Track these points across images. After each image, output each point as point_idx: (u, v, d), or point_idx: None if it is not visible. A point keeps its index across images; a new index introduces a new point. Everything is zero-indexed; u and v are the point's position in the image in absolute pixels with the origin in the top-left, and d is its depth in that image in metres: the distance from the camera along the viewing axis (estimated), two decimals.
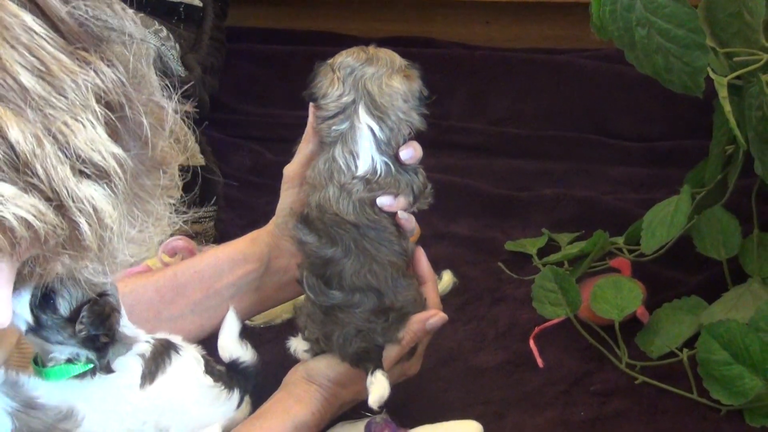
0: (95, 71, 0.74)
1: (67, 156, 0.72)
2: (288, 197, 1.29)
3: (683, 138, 1.93)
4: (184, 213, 0.88)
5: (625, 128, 2.01)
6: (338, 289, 1.20)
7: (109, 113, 0.74)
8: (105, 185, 0.74)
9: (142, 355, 1.11)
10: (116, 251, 0.79)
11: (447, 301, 1.45)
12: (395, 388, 1.21)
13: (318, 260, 1.21)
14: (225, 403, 1.18)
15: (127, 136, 0.77)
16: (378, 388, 1.16)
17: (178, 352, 1.14)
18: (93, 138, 0.73)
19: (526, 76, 2.13)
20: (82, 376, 1.06)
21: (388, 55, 1.21)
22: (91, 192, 0.74)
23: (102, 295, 1.05)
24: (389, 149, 1.19)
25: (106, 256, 0.78)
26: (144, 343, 1.12)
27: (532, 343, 1.45)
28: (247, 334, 1.26)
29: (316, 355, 1.24)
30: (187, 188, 0.92)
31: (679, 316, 1.45)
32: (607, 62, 2.08)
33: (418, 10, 2.34)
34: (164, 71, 0.84)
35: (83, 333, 1.03)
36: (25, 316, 1.02)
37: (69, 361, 1.06)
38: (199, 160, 1.71)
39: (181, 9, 1.99)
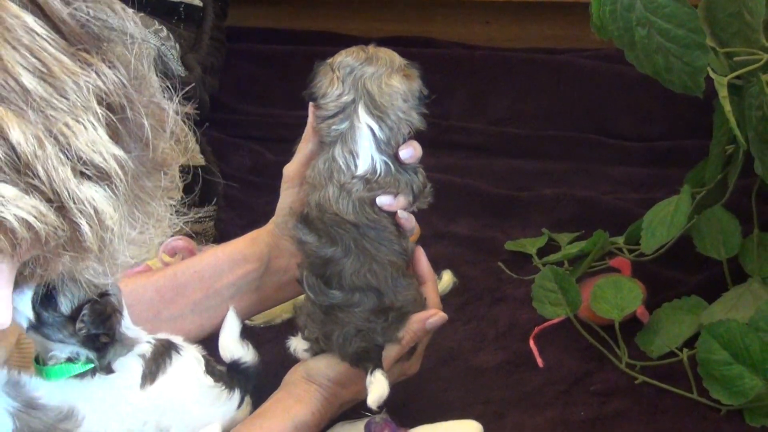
0: (96, 73, 0.74)
1: (68, 157, 0.72)
2: (288, 197, 1.29)
3: (683, 138, 1.93)
4: (185, 214, 0.88)
5: (625, 128, 2.01)
6: (338, 289, 1.20)
7: (111, 115, 0.75)
8: (106, 187, 0.75)
9: (143, 356, 1.11)
10: (117, 252, 0.79)
11: (447, 301, 1.45)
12: (395, 387, 1.21)
13: (318, 260, 1.21)
14: (226, 403, 1.18)
15: (128, 138, 0.77)
16: (377, 387, 1.16)
17: (178, 353, 1.14)
18: (94, 139, 0.73)
19: (526, 76, 2.13)
20: (82, 375, 1.06)
21: (387, 54, 1.21)
22: (92, 193, 0.74)
23: (104, 295, 1.05)
24: (389, 149, 1.19)
25: (106, 257, 0.78)
26: (145, 344, 1.12)
27: (532, 342, 1.45)
28: (247, 333, 1.26)
29: (315, 355, 1.24)
30: (187, 189, 0.92)
31: (679, 316, 1.45)
32: (607, 62, 2.08)
33: (418, 10, 2.34)
34: (165, 72, 0.84)
35: (83, 332, 1.04)
36: (27, 313, 1.02)
37: (69, 360, 1.06)
38: (199, 160, 1.71)
39: (181, 9, 1.99)
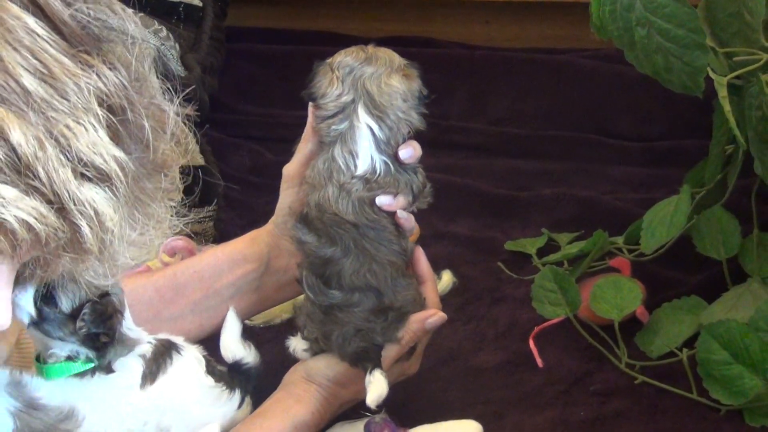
0: (97, 74, 0.74)
1: (68, 159, 0.72)
2: (287, 197, 1.29)
3: (683, 138, 1.93)
4: (185, 216, 0.88)
5: (625, 128, 2.01)
6: (337, 289, 1.20)
7: (111, 116, 0.75)
8: (106, 188, 0.75)
9: (143, 356, 1.11)
10: (117, 254, 0.79)
11: (447, 301, 1.45)
12: (395, 387, 1.21)
13: (317, 260, 1.21)
14: (226, 404, 1.18)
15: (128, 140, 0.77)
16: (376, 387, 1.16)
17: (179, 353, 1.14)
18: (95, 141, 0.73)
19: (526, 76, 2.13)
20: (82, 375, 1.06)
21: (387, 54, 1.21)
22: (92, 195, 0.74)
23: (105, 295, 1.05)
24: (388, 148, 1.19)
25: (106, 258, 0.78)
26: (146, 344, 1.12)
27: (531, 343, 1.45)
28: (246, 333, 1.26)
29: (315, 355, 1.24)
30: (187, 191, 0.92)
31: (678, 316, 1.45)
32: (606, 62, 2.08)
33: (417, 10, 2.34)
34: (165, 74, 0.84)
35: (83, 330, 1.04)
36: (29, 310, 1.03)
37: (69, 358, 1.06)
38: (199, 160, 1.71)
39: (181, 9, 1.99)
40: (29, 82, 0.71)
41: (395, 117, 1.19)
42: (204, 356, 1.18)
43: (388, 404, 1.18)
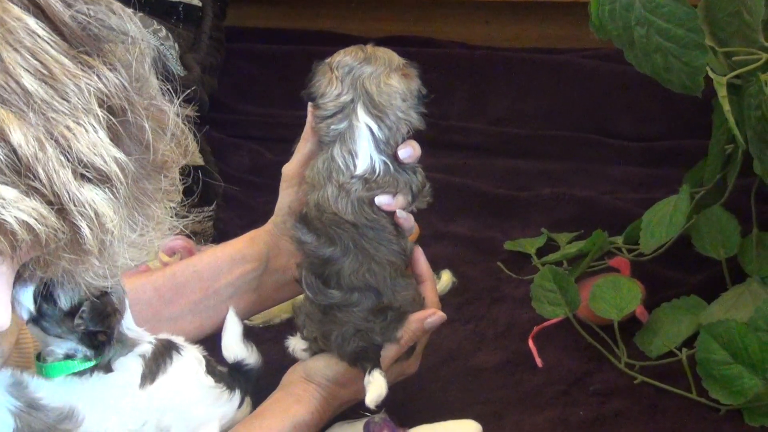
0: (98, 75, 0.74)
1: (68, 160, 0.72)
2: (287, 197, 1.29)
3: (682, 137, 1.93)
4: (185, 217, 0.88)
5: (625, 128, 2.01)
6: (337, 289, 1.20)
7: (111, 117, 0.75)
8: (106, 189, 0.75)
9: (143, 355, 1.11)
10: (117, 255, 0.79)
11: (446, 300, 1.45)
12: (394, 387, 1.21)
13: (317, 260, 1.21)
14: (226, 404, 1.18)
15: (128, 141, 0.77)
16: (375, 387, 1.16)
17: (179, 353, 1.14)
18: (95, 142, 0.73)
19: (526, 76, 2.13)
20: (81, 374, 1.07)
21: (386, 54, 1.21)
22: (92, 196, 0.74)
23: (105, 293, 1.05)
24: (388, 148, 1.19)
25: (106, 259, 0.78)
26: (146, 344, 1.12)
27: (531, 342, 1.45)
28: (245, 334, 1.26)
29: (314, 355, 1.24)
30: (187, 192, 0.92)
31: (678, 316, 1.45)
32: (606, 62, 2.08)
33: (417, 10, 2.34)
34: (166, 75, 0.84)
35: (81, 328, 1.04)
36: (28, 306, 1.03)
37: (67, 356, 1.06)
38: (198, 160, 1.71)
39: (180, 9, 1.99)
40: (30, 82, 0.71)
41: (394, 117, 1.19)
42: (204, 356, 1.18)
43: (387, 404, 1.18)
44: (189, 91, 0.87)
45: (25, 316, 1.04)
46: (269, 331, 1.47)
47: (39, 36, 0.72)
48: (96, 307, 1.04)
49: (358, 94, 1.18)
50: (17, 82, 0.70)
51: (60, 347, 1.06)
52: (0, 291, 0.78)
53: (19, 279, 0.83)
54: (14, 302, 0.90)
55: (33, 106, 0.71)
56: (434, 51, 2.21)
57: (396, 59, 1.21)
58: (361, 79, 1.18)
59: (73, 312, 1.04)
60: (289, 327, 1.35)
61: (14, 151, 0.70)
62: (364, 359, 1.19)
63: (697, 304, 1.45)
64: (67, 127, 0.72)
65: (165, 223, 0.85)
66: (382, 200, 1.20)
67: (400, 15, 2.34)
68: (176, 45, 1.90)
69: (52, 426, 1.02)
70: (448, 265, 1.60)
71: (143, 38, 0.80)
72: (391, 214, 1.21)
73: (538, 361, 1.43)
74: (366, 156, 1.19)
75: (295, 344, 1.26)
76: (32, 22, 0.72)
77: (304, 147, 1.26)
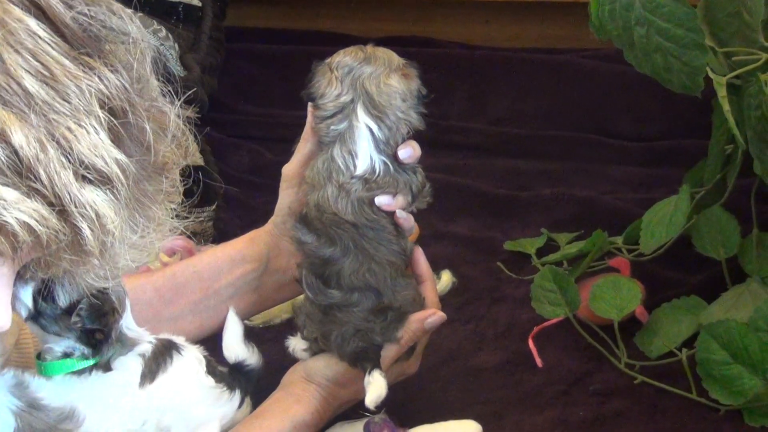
0: (99, 77, 0.74)
1: (70, 161, 0.72)
2: (287, 197, 1.29)
3: (682, 137, 1.93)
4: (185, 218, 0.88)
5: (625, 128, 2.01)
6: (337, 289, 1.20)
7: (113, 119, 0.75)
8: (107, 191, 0.75)
9: (143, 355, 1.11)
10: (117, 256, 0.79)
11: (446, 301, 1.45)
12: (394, 387, 1.21)
13: (317, 260, 1.21)
14: (226, 404, 1.18)
15: (129, 142, 0.77)
16: (375, 387, 1.16)
17: (179, 353, 1.14)
18: (96, 143, 0.73)
19: (526, 76, 2.13)
20: (80, 372, 1.07)
21: (385, 54, 1.21)
22: (93, 197, 0.74)
23: (103, 292, 1.05)
24: (388, 148, 1.19)
25: (107, 260, 0.79)
26: (146, 344, 1.12)
27: (531, 342, 1.45)
28: (246, 334, 1.26)
29: (314, 355, 1.24)
30: (187, 193, 0.92)
31: (678, 316, 1.45)
32: (606, 62, 2.08)
33: (417, 10, 2.34)
34: (167, 77, 0.84)
35: (78, 325, 1.04)
36: (27, 303, 1.03)
37: (66, 355, 1.06)
38: (198, 160, 1.71)
39: (180, 9, 1.99)
40: (31, 84, 0.71)
41: (394, 117, 1.19)
42: (205, 356, 1.18)
43: (387, 404, 1.18)
44: (190, 92, 0.87)
45: (24, 314, 1.04)
46: (269, 332, 1.47)
47: (40, 37, 0.72)
48: (94, 305, 1.04)
49: (358, 94, 1.18)
50: (19, 84, 0.71)
51: (58, 345, 1.07)
52: (0, 292, 0.78)
53: (19, 279, 0.83)
54: (13, 299, 0.90)
55: (34, 108, 0.71)
56: (434, 51, 2.21)
57: (396, 59, 1.21)
58: (361, 79, 1.18)
59: (71, 310, 1.04)
60: (289, 327, 1.35)
61: (15, 153, 0.70)
62: (364, 359, 1.19)
63: (697, 304, 1.45)
64: (69, 129, 0.72)
65: (166, 224, 0.85)
66: (382, 200, 1.20)
67: (400, 15, 2.34)
68: (176, 45, 1.90)
69: (52, 426, 1.02)
70: (448, 265, 1.60)
71: (144, 39, 0.80)
72: (391, 215, 1.21)
73: (538, 361, 1.43)
74: (366, 156, 1.19)
75: (296, 344, 1.26)
76: (33, 23, 0.72)
77: (304, 147, 1.26)
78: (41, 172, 0.71)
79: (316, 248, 1.21)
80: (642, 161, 1.93)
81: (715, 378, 1.32)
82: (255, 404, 1.22)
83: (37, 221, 0.71)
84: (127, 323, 1.10)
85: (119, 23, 0.78)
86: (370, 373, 1.18)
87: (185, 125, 0.85)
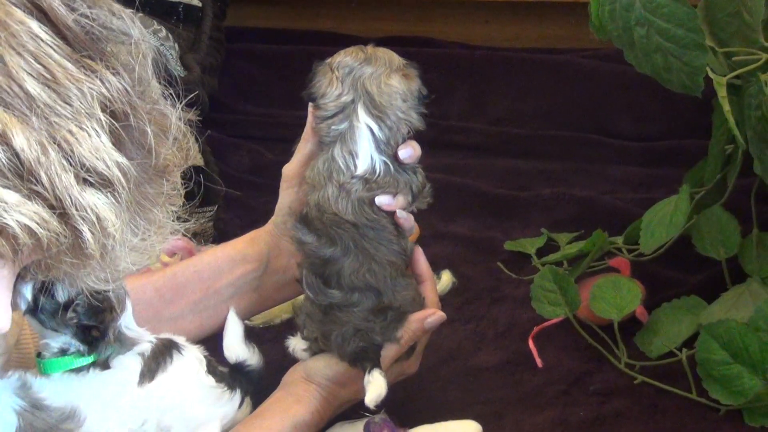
0: (101, 80, 0.74)
1: (71, 164, 0.72)
2: (287, 197, 1.29)
3: (682, 137, 1.93)
4: (186, 220, 0.88)
5: (625, 128, 2.01)
6: (337, 288, 1.20)
7: (114, 122, 0.75)
8: (108, 194, 0.75)
9: (142, 354, 1.11)
10: (118, 259, 0.79)
11: (446, 300, 1.45)
12: (394, 387, 1.21)
13: (317, 260, 1.21)
14: (226, 404, 1.18)
15: (130, 145, 0.77)
16: (375, 387, 1.16)
17: (180, 352, 1.15)
18: (97, 146, 0.73)
19: (526, 76, 2.13)
20: (79, 370, 1.07)
21: (386, 54, 1.21)
22: (94, 200, 0.74)
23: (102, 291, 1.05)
24: (388, 149, 1.20)
25: (108, 263, 0.79)
26: (146, 343, 1.12)
27: (531, 342, 1.45)
28: (247, 334, 1.26)
29: (314, 355, 1.24)
30: (189, 195, 0.92)
31: (678, 316, 1.45)
32: (606, 62, 2.08)
33: (417, 10, 2.34)
34: (168, 79, 0.84)
35: (74, 321, 1.04)
36: (26, 296, 1.03)
37: (62, 351, 1.07)
38: (198, 160, 1.71)
39: (180, 9, 1.99)
40: (32, 86, 0.71)
41: (395, 117, 1.19)
42: (205, 356, 1.18)
43: (387, 404, 1.18)
44: (192, 96, 0.87)
45: (23, 307, 1.04)
46: (269, 331, 1.47)
47: (42, 40, 0.72)
48: (91, 301, 1.04)
49: (358, 94, 1.18)
50: (20, 86, 0.71)
51: (55, 341, 1.07)
52: (0, 294, 0.78)
53: (19, 280, 0.83)
54: (14, 295, 0.90)
55: (36, 110, 0.71)
56: (434, 51, 2.21)
57: (396, 59, 1.22)
58: (362, 79, 1.19)
59: (68, 305, 1.04)
60: (289, 327, 1.35)
61: (17, 155, 0.70)
62: (364, 359, 1.19)
63: (697, 304, 1.45)
64: (70, 132, 0.72)
65: (167, 227, 0.85)
66: (383, 200, 1.20)
67: (400, 15, 2.34)
68: (176, 45, 1.90)
69: (54, 426, 1.02)
70: (448, 265, 1.60)
71: (147, 44, 0.80)
72: (392, 215, 1.21)
73: (538, 361, 1.43)
74: (366, 156, 1.19)
75: (296, 344, 1.26)
76: (35, 25, 0.72)
77: (304, 147, 1.27)
78: (42, 174, 0.71)
79: (317, 248, 1.21)
80: (642, 161, 1.93)
81: (715, 378, 1.32)
82: (255, 404, 1.22)
83: (37, 224, 0.71)
84: (127, 323, 1.10)
85: (120, 24, 0.78)
86: (370, 372, 1.18)
87: (186, 128, 0.85)
